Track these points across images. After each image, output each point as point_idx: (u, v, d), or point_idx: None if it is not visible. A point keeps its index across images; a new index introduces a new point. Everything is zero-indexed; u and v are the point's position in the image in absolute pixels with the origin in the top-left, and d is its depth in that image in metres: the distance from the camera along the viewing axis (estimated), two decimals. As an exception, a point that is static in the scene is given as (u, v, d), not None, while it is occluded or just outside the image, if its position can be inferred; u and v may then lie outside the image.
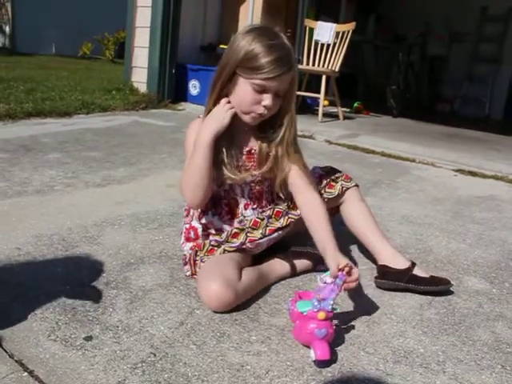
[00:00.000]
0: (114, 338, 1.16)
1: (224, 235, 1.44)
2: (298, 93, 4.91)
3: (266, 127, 1.42)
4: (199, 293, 1.35)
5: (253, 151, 1.44)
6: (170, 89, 4.89)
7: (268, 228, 1.45)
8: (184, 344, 1.16)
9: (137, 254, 1.60)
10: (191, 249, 1.49)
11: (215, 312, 1.30)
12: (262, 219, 1.46)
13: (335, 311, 1.19)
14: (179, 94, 4.96)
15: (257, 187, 1.49)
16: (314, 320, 1.15)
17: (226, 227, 1.48)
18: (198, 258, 1.44)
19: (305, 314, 1.17)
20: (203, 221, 1.49)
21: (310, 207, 1.40)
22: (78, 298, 1.31)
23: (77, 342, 1.13)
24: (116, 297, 1.34)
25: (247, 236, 1.43)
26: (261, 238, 1.44)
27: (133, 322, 1.23)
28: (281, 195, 1.49)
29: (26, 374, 1.02)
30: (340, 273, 1.21)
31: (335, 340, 1.22)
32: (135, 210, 1.98)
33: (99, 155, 2.77)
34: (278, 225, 1.46)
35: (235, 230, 1.44)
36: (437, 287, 1.49)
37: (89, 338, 1.15)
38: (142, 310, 1.29)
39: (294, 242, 1.58)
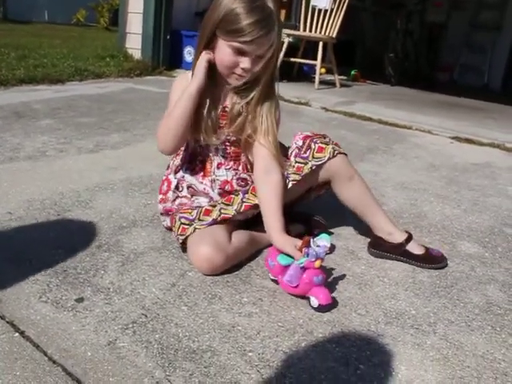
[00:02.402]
0: (106, 299, 1.16)
1: (195, 213, 1.39)
2: (295, 59, 4.86)
3: (243, 85, 1.38)
4: (190, 257, 1.35)
5: (226, 109, 1.42)
6: (165, 55, 4.82)
7: (244, 204, 1.42)
8: (175, 305, 1.16)
9: (129, 218, 1.59)
10: (160, 201, 1.51)
11: (206, 275, 1.30)
12: (237, 195, 1.43)
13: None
14: (174, 61, 4.89)
15: (232, 147, 1.46)
16: (311, 269, 1.21)
17: (197, 184, 1.46)
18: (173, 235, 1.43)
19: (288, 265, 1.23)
20: (178, 175, 1.49)
21: (269, 186, 1.37)
22: (69, 260, 1.31)
23: (68, 304, 1.13)
24: (108, 259, 1.34)
25: (220, 213, 1.39)
26: (234, 215, 1.41)
27: (124, 284, 1.23)
28: (249, 158, 1.46)
29: (17, 334, 1.02)
30: (304, 249, 1.21)
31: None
32: (128, 175, 1.97)
33: (92, 121, 2.74)
34: (255, 201, 1.41)
35: (207, 207, 1.40)
36: (428, 265, 1.47)
37: (80, 300, 1.15)
38: (133, 273, 1.28)
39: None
